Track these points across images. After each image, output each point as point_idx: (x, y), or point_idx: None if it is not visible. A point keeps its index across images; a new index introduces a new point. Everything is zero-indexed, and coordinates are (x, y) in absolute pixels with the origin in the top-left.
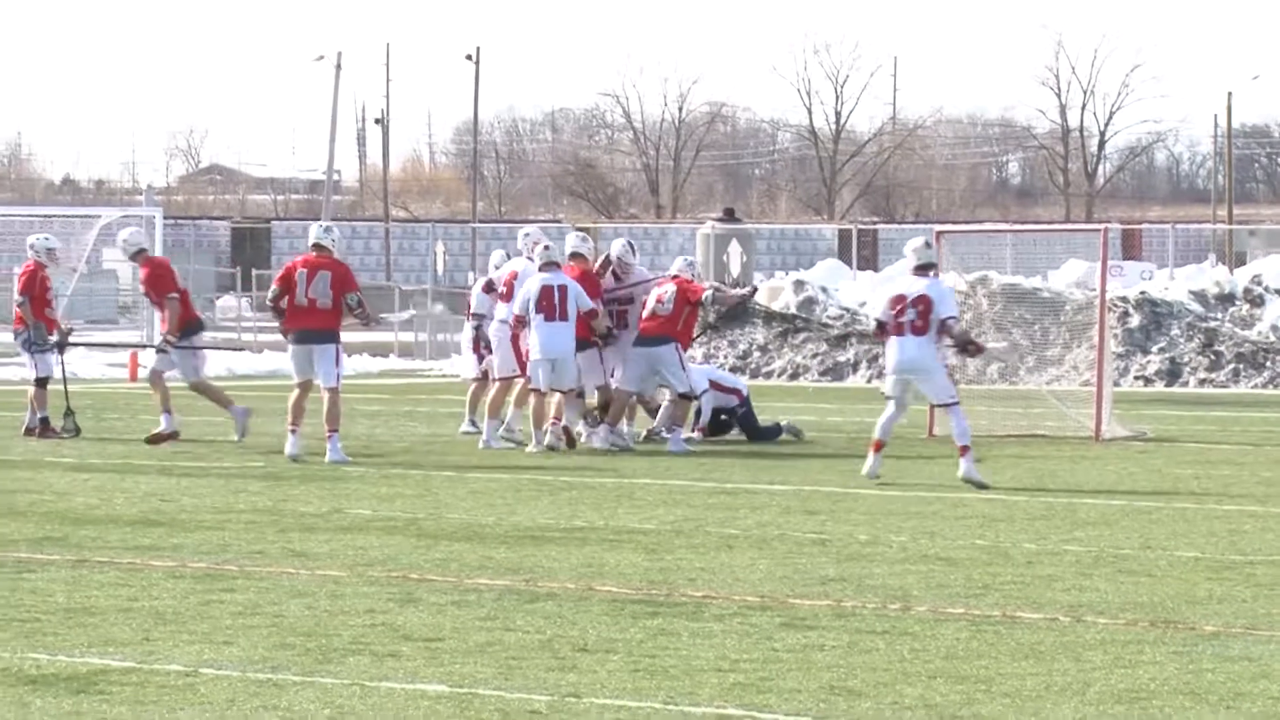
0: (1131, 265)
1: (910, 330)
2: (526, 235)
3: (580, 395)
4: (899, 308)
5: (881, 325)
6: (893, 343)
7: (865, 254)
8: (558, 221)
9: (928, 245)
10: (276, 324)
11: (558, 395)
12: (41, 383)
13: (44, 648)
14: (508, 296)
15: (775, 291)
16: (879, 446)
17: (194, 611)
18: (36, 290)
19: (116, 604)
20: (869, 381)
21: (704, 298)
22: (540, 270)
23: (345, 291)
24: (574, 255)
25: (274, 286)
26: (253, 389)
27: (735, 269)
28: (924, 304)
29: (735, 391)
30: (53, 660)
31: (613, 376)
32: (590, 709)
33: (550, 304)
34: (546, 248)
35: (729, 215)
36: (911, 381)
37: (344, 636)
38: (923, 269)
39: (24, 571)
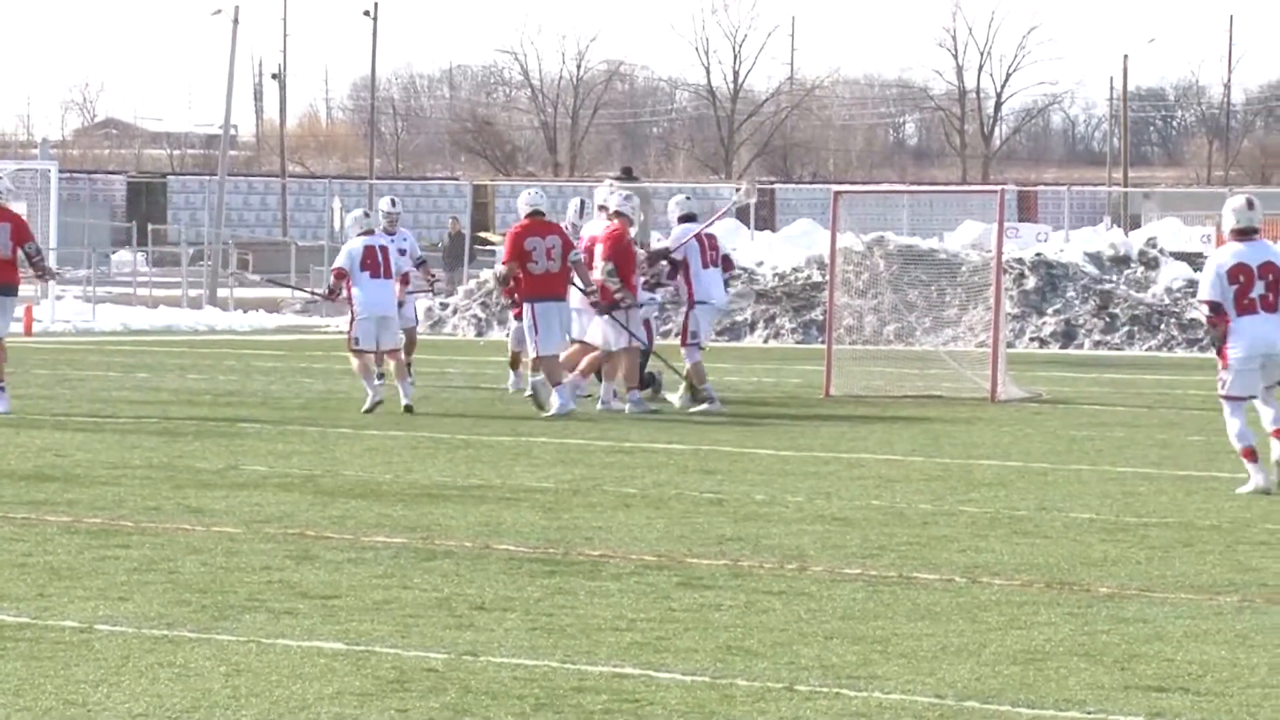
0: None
1: (1263, 307)
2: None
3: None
4: (1245, 280)
5: (1217, 306)
6: (1245, 323)
7: (763, 214)
8: (455, 179)
9: (1250, 205)
10: (173, 279)
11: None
12: None
13: None
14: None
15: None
16: (1253, 454)
17: (89, 567)
18: None
19: (10, 559)
20: (765, 342)
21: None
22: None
23: (22, 242)
24: (617, 214)
25: None
26: (148, 343)
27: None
28: (1275, 273)
29: None
30: None
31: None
32: (487, 667)
33: (374, 263)
34: (383, 213)
35: (627, 174)
36: (1266, 366)
37: (240, 593)
38: (1246, 233)
39: None
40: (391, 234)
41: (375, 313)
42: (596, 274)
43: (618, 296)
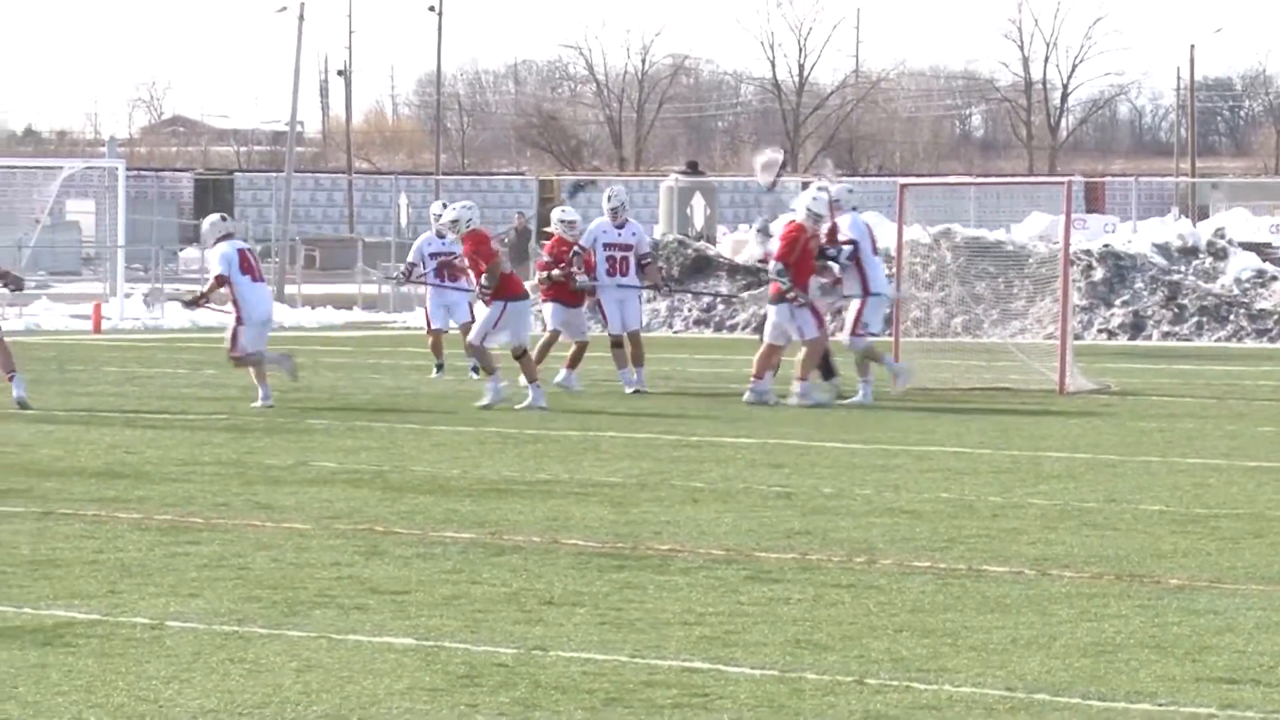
0: (1095, 218)
1: None
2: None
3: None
4: None
5: None
6: None
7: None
8: (521, 174)
9: None
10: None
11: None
12: None
13: (9, 600)
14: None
15: (739, 244)
16: None
17: (160, 564)
18: None
19: (82, 556)
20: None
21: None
22: None
23: None
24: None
25: None
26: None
27: (699, 222)
28: None
29: None
30: (18, 613)
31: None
32: (557, 662)
33: (250, 265)
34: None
35: (692, 168)
36: None
37: (310, 589)
38: None
39: None
40: (443, 236)
41: (262, 317)
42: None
43: (789, 296)
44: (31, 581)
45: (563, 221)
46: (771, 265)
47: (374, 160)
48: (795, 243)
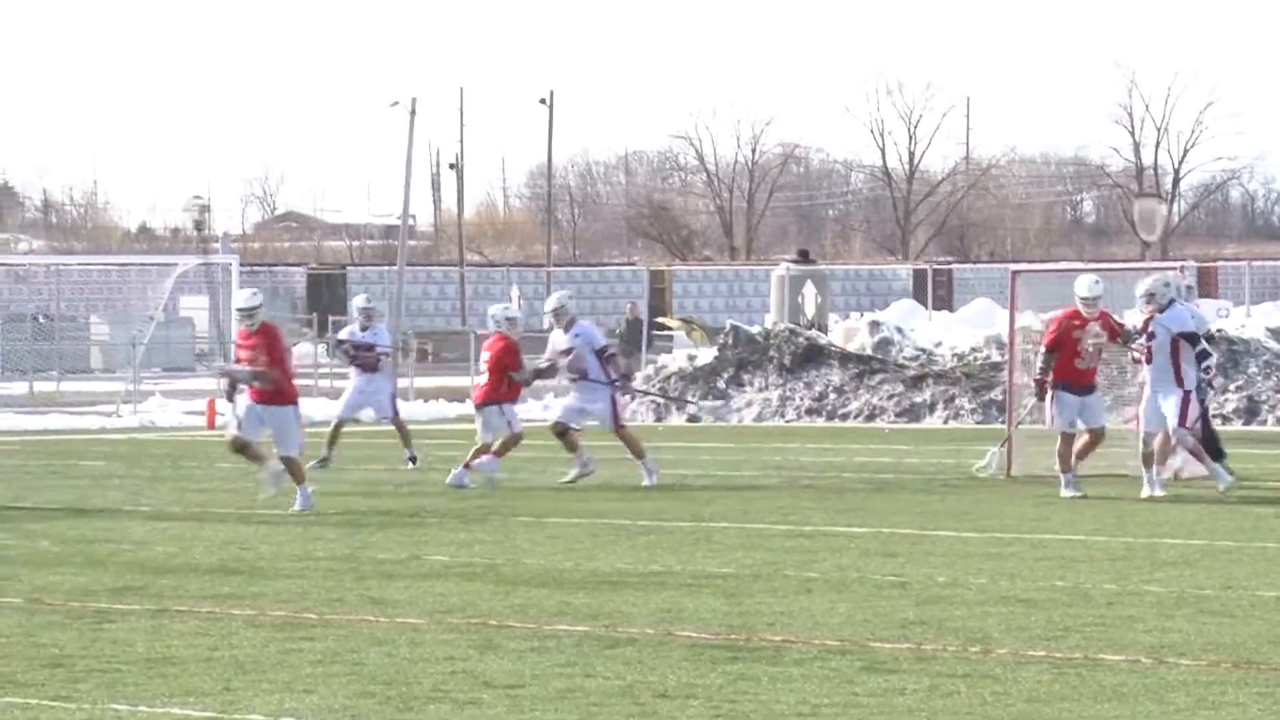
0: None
1: None
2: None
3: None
4: None
5: None
6: None
7: (940, 294)
8: (632, 264)
9: None
10: (348, 368)
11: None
12: None
13: (125, 698)
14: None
15: (850, 332)
16: None
17: (274, 660)
18: None
19: (197, 653)
20: (945, 423)
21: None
22: None
23: None
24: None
25: None
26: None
27: (810, 310)
28: None
29: None
30: (134, 711)
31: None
32: None
33: None
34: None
35: (803, 257)
36: None
37: (424, 684)
38: None
39: (104, 621)
40: (366, 330)
41: None
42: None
43: (1045, 381)
44: (147, 680)
45: (507, 319)
46: (1043, 352)
47: (485, 253)
48: (1055, 332)
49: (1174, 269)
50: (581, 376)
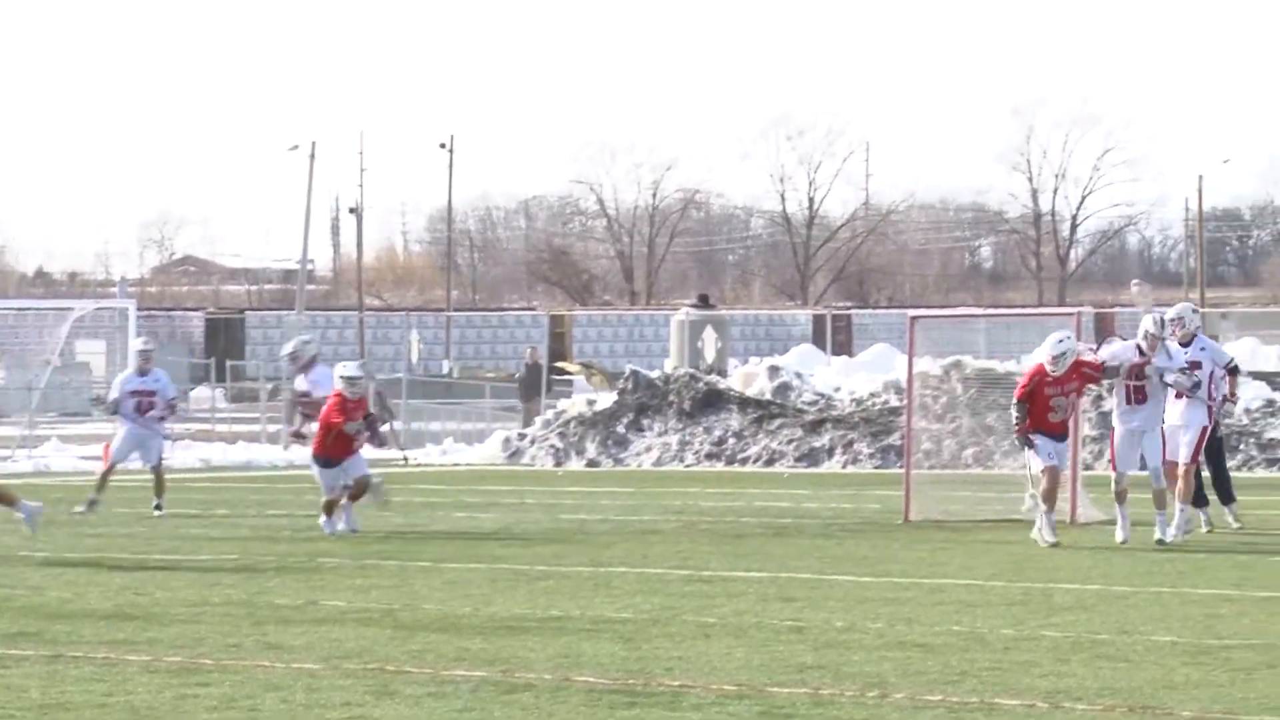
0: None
1: None
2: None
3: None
4: None
5: None
6: None
7: (840, 339)
8: (532, 309)
9: None
10: (252, 415)
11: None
12: None
13: None
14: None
15: (750, 377)
16: None
17: (169, 706)
18: None
19: (91, 700)
20: (844, 467)
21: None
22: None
23: None
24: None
25: None
26: (227, 480)
27: (710, 355)
28: None
29: None
30: None
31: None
32: None
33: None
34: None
35: (703, 301)
36: None
37: None
38: None
39: None
40: (145, 374)
41: None
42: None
43: (1023, 430)
44: None
45: (344, 378)
46: (1015, 404)
47: (385, 297)
48: (1029, 380)
49: (1068, 314)
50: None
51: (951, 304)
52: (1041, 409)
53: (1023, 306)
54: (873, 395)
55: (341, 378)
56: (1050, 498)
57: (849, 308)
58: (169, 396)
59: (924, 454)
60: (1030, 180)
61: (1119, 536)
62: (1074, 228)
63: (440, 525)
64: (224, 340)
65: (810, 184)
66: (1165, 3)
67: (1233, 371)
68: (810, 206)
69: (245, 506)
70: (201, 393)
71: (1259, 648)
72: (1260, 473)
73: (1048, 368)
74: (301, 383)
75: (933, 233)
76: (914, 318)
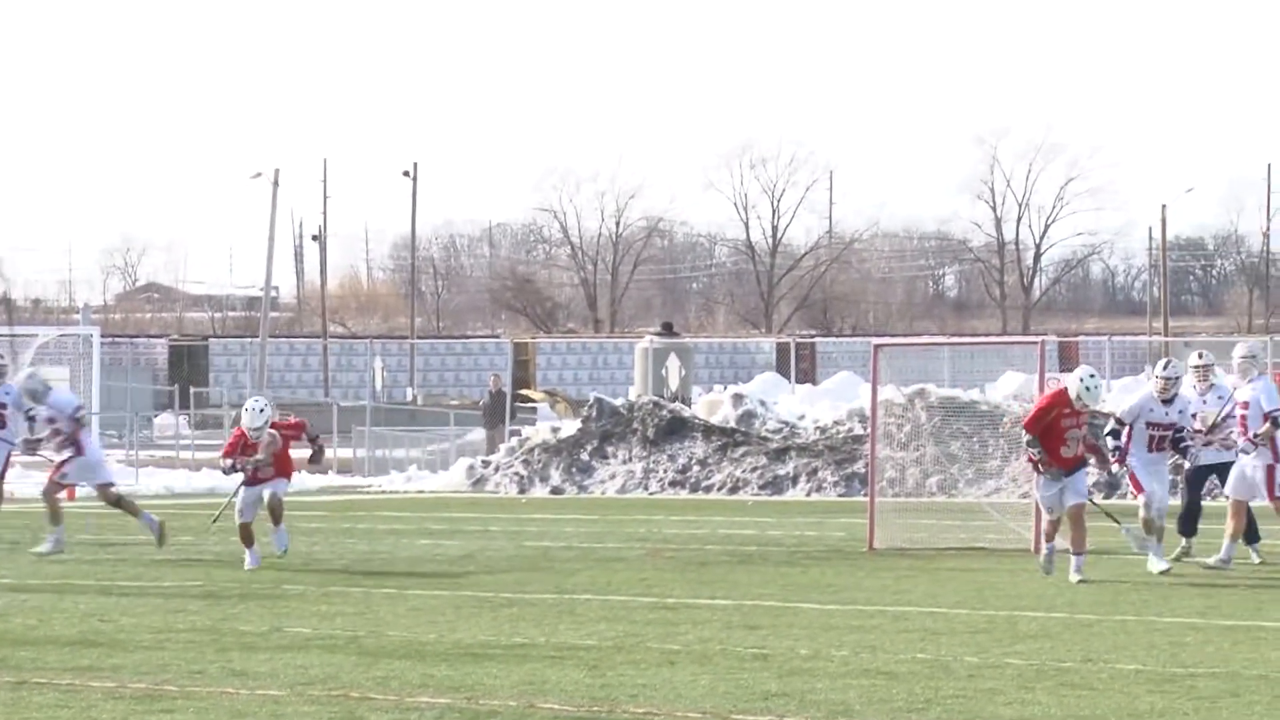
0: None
1: None
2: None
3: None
4: None
5: None
6: None
7: (804, 367)
8: (496, 337)
9: None
10: (216, 441)
11: None
12: None
13: None
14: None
15: (714, 405)
16: None
17: None
18: None
19: None
20: (808, 495)
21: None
22: None
23: None
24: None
25: None
26: (191, 506)
27: (674, 383)
28: None
29: None
30: None
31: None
32: None
33: None
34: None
35: (667, 329)
36: None
37: None
38: None
39: None
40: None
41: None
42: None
43: (1036, 463)
44: None
45: (247, 429)
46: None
47: (349, 324)
48: (1041, 412)
49: (1032, 342)
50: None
51: (916, 332)
52: (1056, 441)
53: (986, 335)
54: (837, 423)
55: (246, 428)
56: (1049, 533)
57: (813, 336)
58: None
59: (888, 482)
60: (994, 209)
61: (1158, 567)
62: (1038, 256)
63: (405, 552)
64: (187, 367)
65: (774, 212)
66: (1129, 33)
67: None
68: (774, 234)
69: (209, 533)
70: (165, 419)
71: (1223, 676)
72: (1223, 501)
73: (1077, 398)
74: (44, 411)
75: (896, 261)
76: (878, 345)
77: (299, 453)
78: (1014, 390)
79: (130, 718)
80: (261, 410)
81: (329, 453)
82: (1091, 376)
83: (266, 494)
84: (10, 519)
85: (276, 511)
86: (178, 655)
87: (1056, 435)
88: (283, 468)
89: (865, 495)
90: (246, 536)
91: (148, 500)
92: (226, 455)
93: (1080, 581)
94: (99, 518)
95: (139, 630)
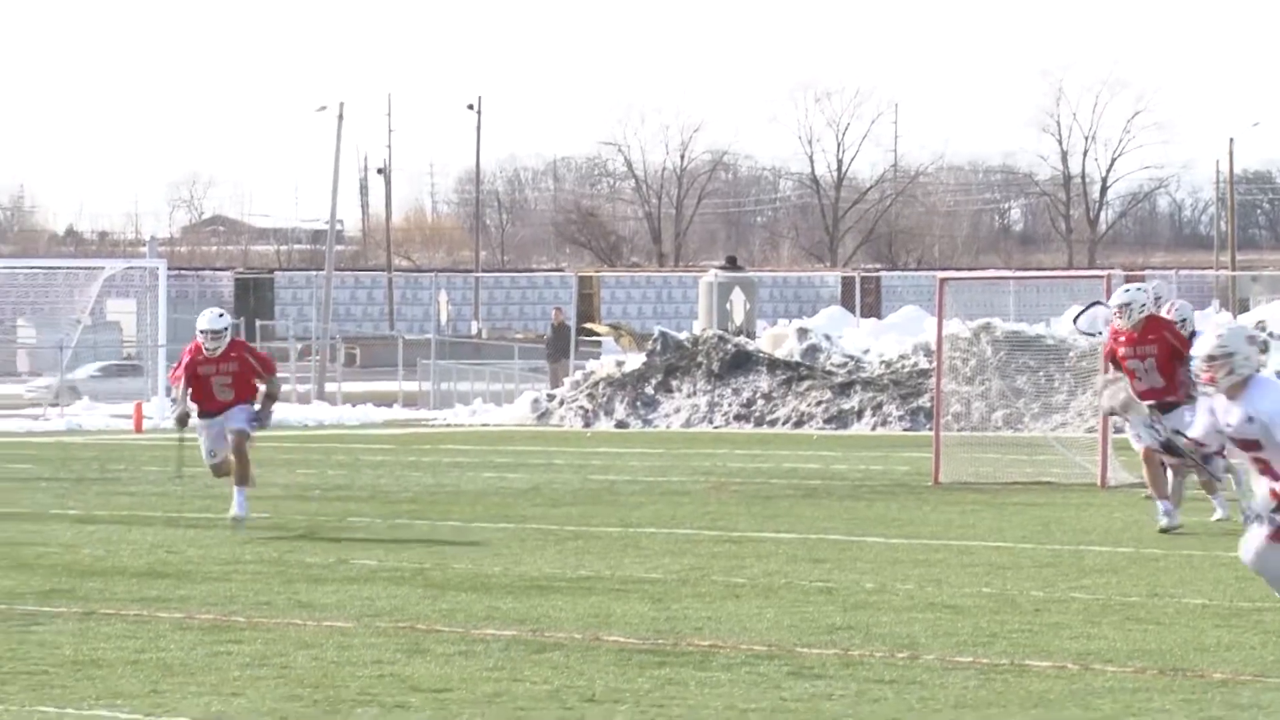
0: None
1: None
2: None
3: None
4: None
5: None
6: None
7: (868, 301)
8: (560, 270)
9: None
10: (282, 375)
11: None
12: None
13: (52, 700)
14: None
15: (779, 339)
16: None
17: (202, 663)
18: None
19: (124, 656)
20: (873, 429)
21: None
22: None
23: None
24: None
25: None
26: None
27: (739, 317)
28: None
29: None
30: (61, 713)
31: None
32: None
33: None
34: None
35: (731, 263)
36: None
37: (352, 688)
38: None
39: (31, 624)
40: None
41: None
42: None
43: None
44: (74, 682)
45: (202, 331)
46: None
47: (414, 258)
48: (1111, 349)
49: (1098, 276)
50: None
51: (980, 266)
52: (1129, 375)
53: (1052, 269)
54: (902, 357)
55: (200, 330)
56: (1155, 485)
57: (878, 270)
58: None
59: (953, 416)
60: (1060, 142)
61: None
62: (1104, 190)
63: (470, 485)
64: (253, 300)
65: (839, 145)
66: None
67: None
68: (839, 168)
69: (275, 466)
70: None
71: None
72: None
73: (1115, 321)
74: None
75: (961, 195)
76: (943, 280)
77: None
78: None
79: (198, 648)
80: (221, 315)
81: (394, 385)
82: (1124, 291)
83: (230, 433)
84: (79, 450)
85: (241, 455)
86: (245, 587)
87: (1124, 370)
88: (244, 393)
89: (930, 430)
90: (225, 472)
91: None
92: (177, 380)
93: (1170, 528)
94: (166, 450)
95: (206, 562)
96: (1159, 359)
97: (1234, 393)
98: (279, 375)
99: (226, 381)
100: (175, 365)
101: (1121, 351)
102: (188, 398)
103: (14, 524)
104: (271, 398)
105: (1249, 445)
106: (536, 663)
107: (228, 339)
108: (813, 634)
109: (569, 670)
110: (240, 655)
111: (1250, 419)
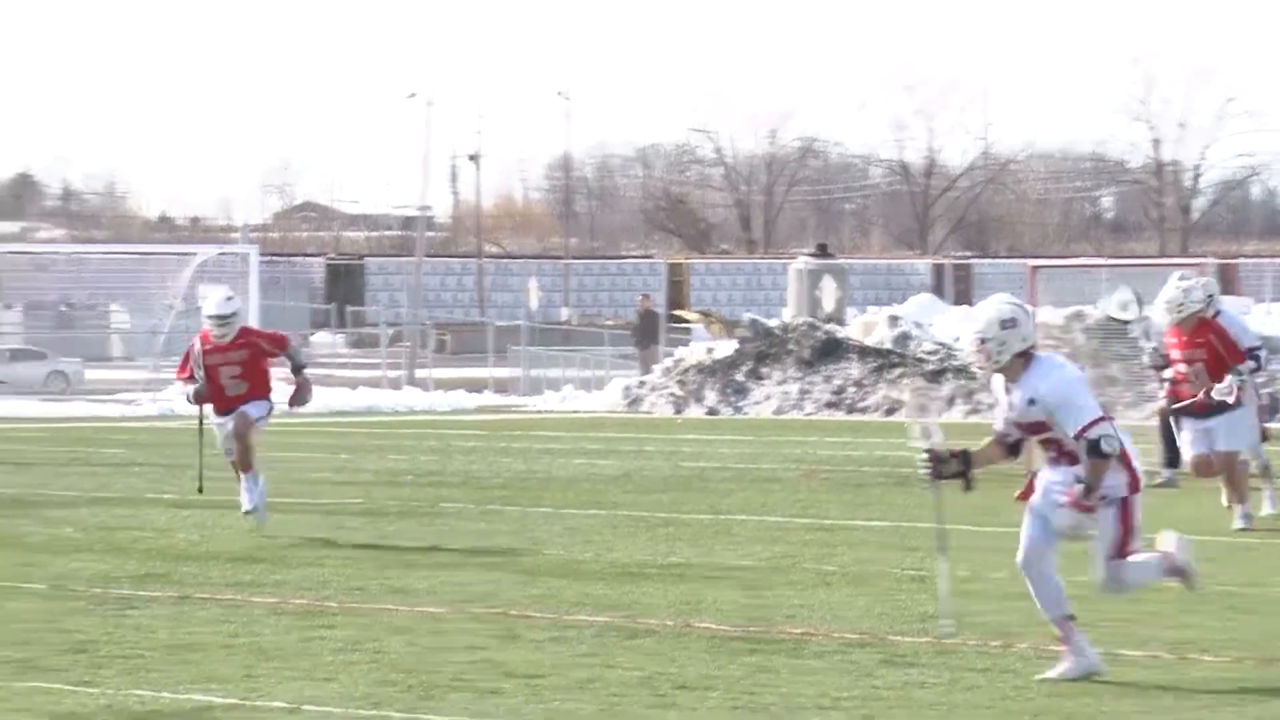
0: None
1: None
2: None
3: None
4: None
5: None
6: None
7: (960, 288)
8: (649, 257)
9: None
10: (373, 360)
11: None
12: None
13: (148, 684)
14: None
15: (869, 326)
16: None
17: (296, 648)
18: None
19: (219, 640)
20: (965, 417)
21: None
22: None
23: None
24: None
25: None
26: (349, 425)
27: (829, 304)
28: None
29: None
30: (156, 697)
31: None
32: None
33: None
34: None
35: (822, 250)
36: None
37: (445, 673)
38: None
39: (127, 608)
40: None
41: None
42: None
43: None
44: (169, 666)
45: (209, 317)
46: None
47: (504, 244)
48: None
49: (1192, 265)
50: None
51: (1072, 254)
52: (1180, 377)
53: (1144, 257)
54: None
55: (207, 316)
56: (1232, 488)
57: (969, 257)
58: None
59: None
60: (1151, 130)
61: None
62: (1196, 178)
63: (561, 471)
64: (344, 286)
65: (929, 133)
66: None
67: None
68: (929, 155)
69: (367, 451)
70: (322, 338)
71: None
72: None
73: (1164, 315)
74: None
75: (1052, 182)
76: (1035, 267)
77: (282, 380)
78: None
79: (292, 633)
80: (229, 298)
81: (485, 371)
82: (1176, 288)
83: (234, 417)
84: (175, 435)
85: (242, 439)
86: (337, 572)
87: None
88: (257, 386)
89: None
90: (248, 465)
91: (306, 416)
92: (183, 373)
93: (1242, 529)
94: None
95: (300, 547)
96: (1209, 364)
97: (1013, 374)
98: (291, 343)
99: (235, 372)
100: (183, 361)
101: (1173, 355)
102: (205, 384)
103: (109, 509)
104: (299, 369)
105: (1035, 428)
106: (628, 649)
107: (238, 325)
108: (905, 622)
109: (661, 657)
110: (333, 640)
111: (1032, 401)
